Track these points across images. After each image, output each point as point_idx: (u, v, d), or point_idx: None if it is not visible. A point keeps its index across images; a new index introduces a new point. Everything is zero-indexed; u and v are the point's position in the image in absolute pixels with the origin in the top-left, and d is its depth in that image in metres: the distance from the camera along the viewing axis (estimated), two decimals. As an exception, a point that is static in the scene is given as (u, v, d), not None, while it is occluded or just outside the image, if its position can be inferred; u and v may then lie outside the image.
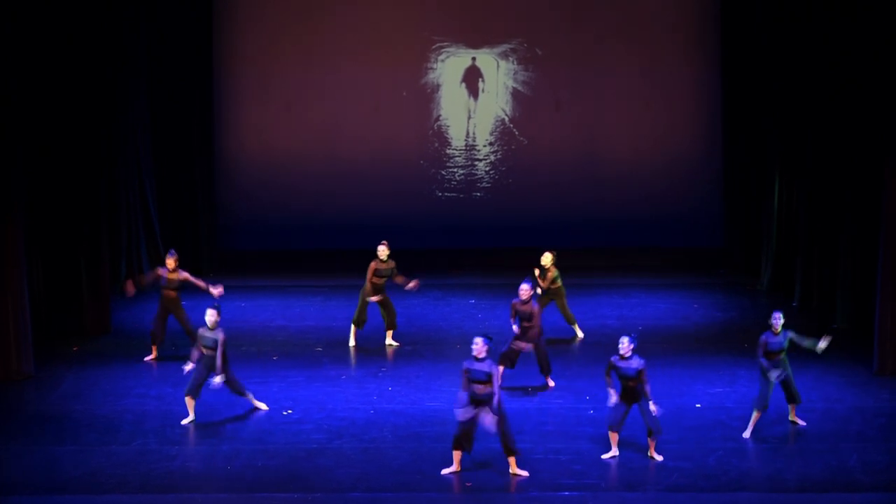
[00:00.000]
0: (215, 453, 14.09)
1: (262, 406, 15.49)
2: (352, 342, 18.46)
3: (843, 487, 13.12)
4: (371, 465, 13.69)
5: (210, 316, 15.01)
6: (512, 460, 13.44)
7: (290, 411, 15.48)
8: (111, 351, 18.19)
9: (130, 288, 18.18)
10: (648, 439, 13.87)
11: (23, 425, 14.97)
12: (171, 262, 17.64)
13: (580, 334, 18.85)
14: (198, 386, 15.00)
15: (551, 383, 16.49)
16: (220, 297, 17.34)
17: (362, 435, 14.65)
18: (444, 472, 13.46)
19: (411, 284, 18.38)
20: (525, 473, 13.38)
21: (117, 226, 21.21)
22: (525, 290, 16.18)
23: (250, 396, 15.46)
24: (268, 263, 24.03)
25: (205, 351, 15.05)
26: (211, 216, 23.93)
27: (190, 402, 15.03)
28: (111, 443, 14.37)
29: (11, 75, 16.77)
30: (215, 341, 14.96)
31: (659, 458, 13.80)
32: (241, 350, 18.26)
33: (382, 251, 18.21)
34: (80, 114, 18.73)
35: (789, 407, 14.85)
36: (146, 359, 17.68)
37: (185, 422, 14.98)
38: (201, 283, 17.72)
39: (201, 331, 15.09)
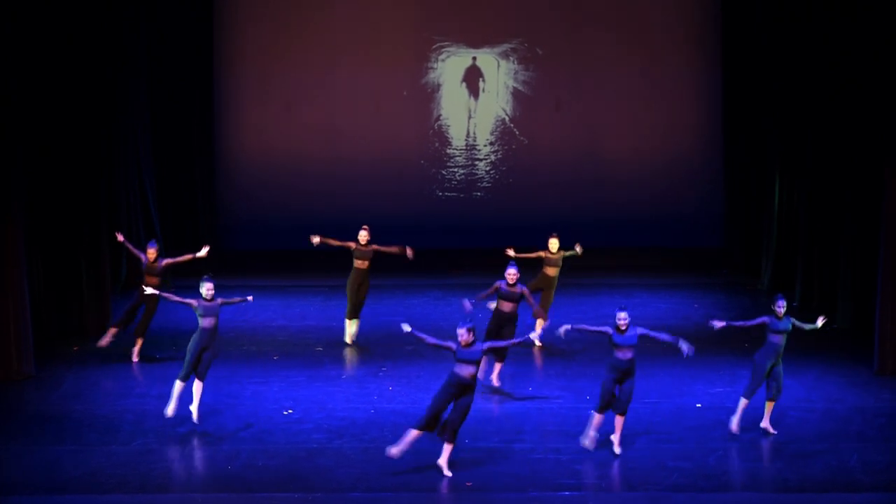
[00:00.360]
0: (215, 453, 14.09)
1: (193, 412, 14.98)
2: (347, 339, 18.37)
3: (843, 487, 13.12)
4: (371, 465, 13.69)
5: (209, 290, 14.79)
6: (447, 448, 13.39)
7: (290, 411, 15.47)
8: (111, 351, 18.16)
9: (120, 237, 18.31)
10: (617, 417, 13.80)
11: (23, 425, 14.97)
12: (151, 252, 17.58)
13: (536, 338, 18.60)
14: (203, 368, 14.89)
15: (496, 382, 16.13)
16: (208, 252, 17.69)
17: (363, 435, 14.65)
18: (392, 450, 13.38)
19: (409, 252, 18.36)
20: (449, 473, 13.34)
21: (117, 226, 21.16)
22: (512, 273, 16.09)
23: (198, 391, 14.93)
24: (268, 263, 24.03)
25: (202, 322, 14.77)
26: (211, 216, 23.94)
27: (197, 386, 14.86)
28: (111, 443, 14.36)
29: (11, 75, 16.77)
30: (217, 307, 14.81)
31: (618, 450, 13.74)
32: (241, 349, 18.28)
33: (363, 236, 18.28)
34: (80, 114, 18.72)
35: (767, 406, 14.68)
36: (134, 360, 17.64)
37: (192, 407, 14.89)
38: (187, 257, 17.80)
39: (199, 303, 14.77)
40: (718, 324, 14.54)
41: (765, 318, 14.52)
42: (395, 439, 14.50)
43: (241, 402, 15.69)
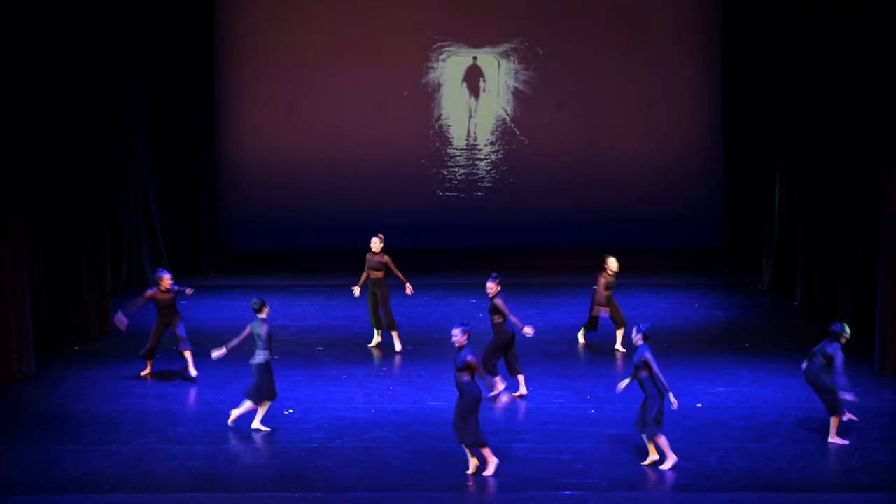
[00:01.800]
0: (216, 453, 14.08)
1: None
2: (375, 339, 18.34)
3: (844, 487, 13.11)
4: (372, 465, 13.68)
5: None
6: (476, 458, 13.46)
7: (291, 411, 15.47)
8: (112, 351, 18.18)
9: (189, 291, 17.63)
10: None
11: (24, 425, 14.97)
12: (165, 281, 16.89)
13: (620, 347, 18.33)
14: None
15: (524, 390, 16.00)
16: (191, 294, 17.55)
17: (363, 434, 14.64)
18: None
19: (408, 289, 18.12)
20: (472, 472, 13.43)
21: (118, 226, 21.20)
22: (490, 286, 15.92)
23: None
24: (268, 263, 24.03)
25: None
26: (211, 216, 23.92)
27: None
28: (112, 442, 14.35)
29: (11, 75, 16.76)
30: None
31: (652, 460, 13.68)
32: (242, 350, 18.24)
33: (375, 244, 18.02)
34: (81, 114, 18.72)
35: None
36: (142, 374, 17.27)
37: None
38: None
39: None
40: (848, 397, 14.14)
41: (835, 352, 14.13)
42: (395, 439, 14.53)
43: (242, 402, 15.66)
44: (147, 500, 12.94)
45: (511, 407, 15.58)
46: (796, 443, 14.32)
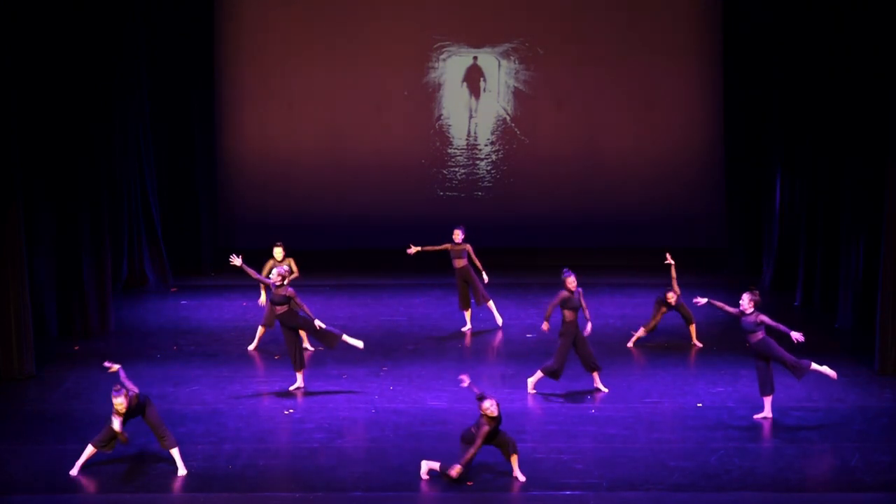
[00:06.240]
0: (217, 453, 14.07)
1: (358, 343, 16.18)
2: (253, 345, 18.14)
3: (845, 487, 13.11)
4: (372, 465, 13.68)
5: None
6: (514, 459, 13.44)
7: (291, 411, 15.47)
8: (112, 350, 18.15)
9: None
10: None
11: (24, 425, 14.97)
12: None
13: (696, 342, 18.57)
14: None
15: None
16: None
17: (364, 434, 14.64)
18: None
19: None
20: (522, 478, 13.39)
21: (119, 225, 21.19)
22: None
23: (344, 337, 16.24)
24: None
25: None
26: (211, 215, 23.90)
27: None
28: (112, 442, 14.34)
29: (11, 74, 16.74)
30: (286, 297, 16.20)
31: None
32: (243, 349, 18.27)
33: (277, 252, 18.21)
34: (81, 114, 18.69)
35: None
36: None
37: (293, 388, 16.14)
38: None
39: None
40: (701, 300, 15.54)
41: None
42: (396, 439, 14.52)
43: (243, 402, 15.69)
44: (147, 499, 12.94)
45: (510, 407, 15.59)
46: (796, 443, 14.33)
